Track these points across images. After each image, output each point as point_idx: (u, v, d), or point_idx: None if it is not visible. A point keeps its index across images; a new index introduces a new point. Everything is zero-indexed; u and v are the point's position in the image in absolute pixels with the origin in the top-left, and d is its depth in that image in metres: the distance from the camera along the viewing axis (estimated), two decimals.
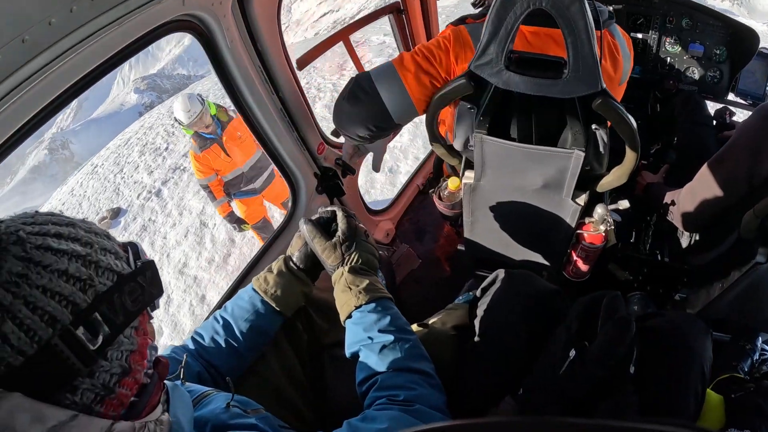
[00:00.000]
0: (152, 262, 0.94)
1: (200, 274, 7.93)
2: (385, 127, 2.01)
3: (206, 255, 8.25)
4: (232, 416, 1.12)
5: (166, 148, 13.70)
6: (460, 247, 2.61)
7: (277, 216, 7.32)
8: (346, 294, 1.54)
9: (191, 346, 1.58)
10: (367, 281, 1.55)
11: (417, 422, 1.22)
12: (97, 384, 0.79)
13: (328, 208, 1.70)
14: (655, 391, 1.49)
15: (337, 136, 2.42)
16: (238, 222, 6.21)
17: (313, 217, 1.69)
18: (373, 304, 1.51)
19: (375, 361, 1.40)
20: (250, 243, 7.22)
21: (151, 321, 0.97)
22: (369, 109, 1.93)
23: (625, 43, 1.93)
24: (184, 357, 1.33)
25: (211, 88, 17.95)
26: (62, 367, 0.74)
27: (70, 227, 0.83)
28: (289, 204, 2.62)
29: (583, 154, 1.76)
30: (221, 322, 1.61)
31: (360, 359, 1.45)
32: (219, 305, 2.01)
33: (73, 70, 1.31)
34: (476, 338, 1.71)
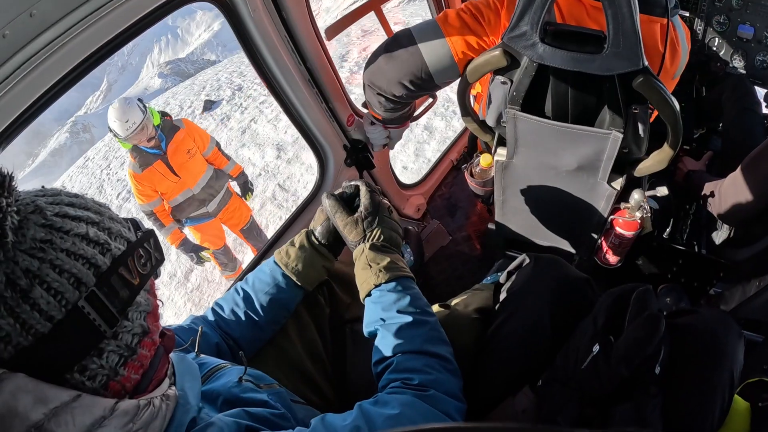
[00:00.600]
0: (153, 230, 0.96)
1: (160, 289, 7.50)
2: (422, 86, 1.95)
3: (169, 268, 7.90)
4: (243, 390, 1.13)
5: None
6: (491, 226, 2.55)
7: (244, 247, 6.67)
8: (366, 272, 1.51)
9: (211, 317, 1.59)
10: (389, 259, 1.52)
11: (430, 408, 1.21)
12: (121, 345, 0.82)
13: (352, 183, 1.67)
14: (681, 394, 1.42)
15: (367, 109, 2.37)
16: (195, 250, 5.25)
17: (336, 192, 1.66)
18: (393, 283, 1.48)
19: (392, 341, 1.38)
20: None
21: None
22: (407, 65, 1.87)
23: (685, 35, 1.84)
24: (200, 328, 1.34)
25: (209, 79, 17.71)
26: (89, 330, 0.77)
27: (79, 198, 0.87)
28: (316, 175, 2.58)
29: (621, 136, 1.68)
30: (242, 294, 1.61)
31: (377, 339, 1.43)
32: (241, 277, 2.01)
33: (83, 45, 1.29)
34: (498, 323, 1.65)
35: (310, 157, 8.20)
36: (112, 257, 0.82)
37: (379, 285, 1.48)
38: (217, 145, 5.12)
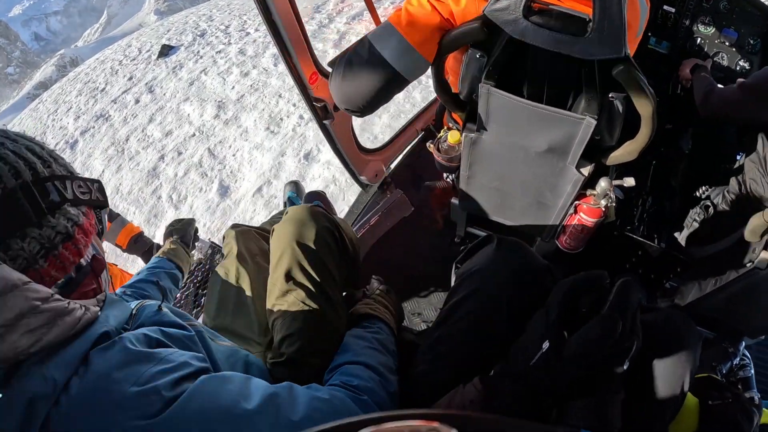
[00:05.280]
0: (99, 180, 1.10)
1: None
2: (397, 87, 1.89)
3: None
4: (163, 316, 1.20)
5: (103, 89, 13.17)
6: (454, 201, 2.51)
7: None
8: None
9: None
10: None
11: (358, 410, 1.22)
12: (44, 236, 0.93)
13: None
14: (643, 392, 1.42)
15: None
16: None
17: None
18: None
19: (349, 355, 1.48)
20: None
21: (100, 226, 1.12)
22: (375, 75, 1.80)
23: None
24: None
25: (177, 22, 17.27)
26: (18, 213, 0.89)
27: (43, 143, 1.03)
28: None
29: (594, 122, 1.64)
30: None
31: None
32: None
33: None
34: (455, 301, 1.62)
35: (248, 120, 8.38)
36: (52, 172, 0.96)
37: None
38: None
